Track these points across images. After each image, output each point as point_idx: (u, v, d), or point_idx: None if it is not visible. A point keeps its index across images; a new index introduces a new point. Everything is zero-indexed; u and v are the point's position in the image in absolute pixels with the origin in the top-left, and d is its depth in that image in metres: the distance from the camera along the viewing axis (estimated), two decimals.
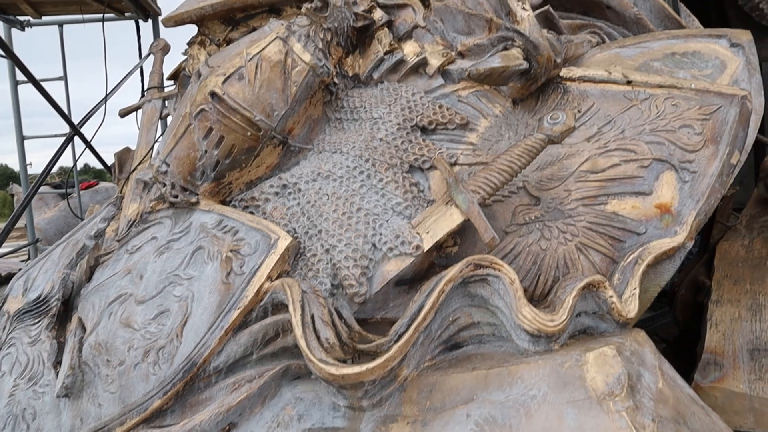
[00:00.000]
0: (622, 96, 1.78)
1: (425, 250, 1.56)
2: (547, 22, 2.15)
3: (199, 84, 1.87)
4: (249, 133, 1.83)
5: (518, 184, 1.65)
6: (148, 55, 3.05)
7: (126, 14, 4.37)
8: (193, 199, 1.92)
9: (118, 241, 2.11)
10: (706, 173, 1.65)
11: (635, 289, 1.48)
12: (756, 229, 2.34)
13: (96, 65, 4.04)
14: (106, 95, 3.58)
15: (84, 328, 1.83)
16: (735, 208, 2.60)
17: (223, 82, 1.82)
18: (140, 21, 4.31)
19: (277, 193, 1.88)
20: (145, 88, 2.89)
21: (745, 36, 2.13)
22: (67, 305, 2.01)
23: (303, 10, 1.86)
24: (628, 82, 1.81)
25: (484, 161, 1.70)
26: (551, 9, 2.13)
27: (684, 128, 1.70)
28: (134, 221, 2.13)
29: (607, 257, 1.60)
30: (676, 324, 2.52)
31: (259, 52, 1.83)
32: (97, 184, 6.37)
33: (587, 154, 1.68)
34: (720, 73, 2.05)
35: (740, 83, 2.01)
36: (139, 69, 3.85)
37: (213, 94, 1.81)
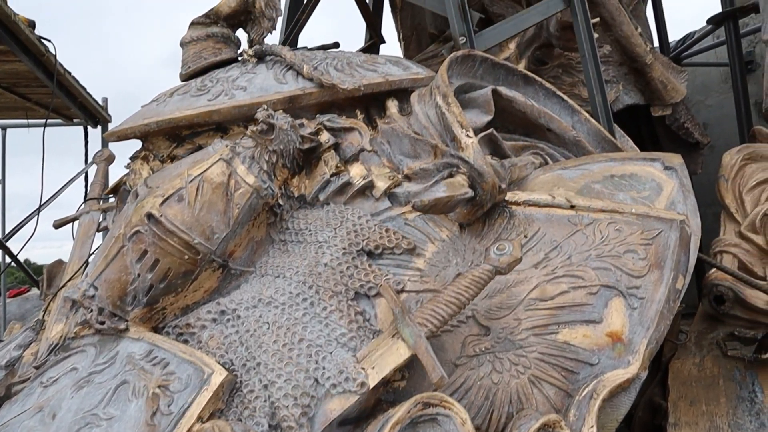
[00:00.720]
0: (567, 220, 1.80)
1: (371, 387, 1.45)
2: (491, 144, 2.21)
3: (136, 205, 1.78)
4: (186, 257, 1.74)
5: (467, 313, 1.60)
6: (91, 164, 2.97)
7: (74, 120, 4.32)
8: (122, 326, 1.77)
9: (36, 368, 1.91)
10: (654, 299, 1.64)
11: (592, 427, 1.40)
12: (705, 346, 2.34)
13: (42, 165, 3.90)
14: (39, 207, 3.42)
15: None
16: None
17: (162, 203, 1.75)
18: (89, 127, 4.26)
19: (214, 320, 1.75)
20: (85, 198, 2.78)
21: (676, 159, 2.24)
22: None
23: (248, 132, 1.85)
24: (572, 207, 1.83)
25: (432, 288, 1.65)
26: (495, 132, 2.19)
27: (629, 253, 1.71)
28: (56, 345, 1.94)
29: (561, 390, 1.52)
30: None
31: (201, 174, 1.78)
32: (27, 290, 5.98)
33: (535, 281, 1.65)
34: (657, 195, 2.12)
35: (676, 205, 2.09)
36: (83, 176, 3.75)
37: (150, 216, 1.73)
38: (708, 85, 6.40)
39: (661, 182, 2.19)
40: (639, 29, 3.59)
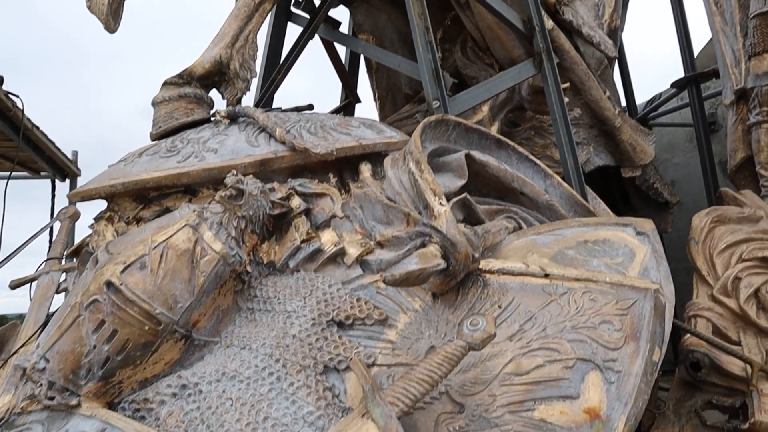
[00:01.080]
0: (541, 290, 1.77)
1: None
2: (465, 208, 2.20)
3: (95, 272, 1.70)
4: (147, 327, 1.65)
5: (441, 389, 1.53)
6: (54, 221, 2.87)
7: (42, 173, 4.22)
8: (74, 402, 1.66)
9: None
10: (631, 372, 1.59)
11: None
12: (684, 415, 2.29)
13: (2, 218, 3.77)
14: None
15: None
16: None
17: (122, 271, 1.67)
18: (57, 180, 4.16)
19: (174, 395, 1.65)
20: (46, 257, 2.67)
21: (648, 225, 2.25)
22: None
23: (217, 197, 1.80)
24: (546, 275, 1.81)
25: (404, 362, 1.58)
26: (468, 196, 2.18)
27: (604, 324, 1.68)
28: (3, 420, 1.81)
29: None
30: None
31: (165, 240, 1.71)
32: None
33: (510, 354, 1.60)
34: (630, 261, 2.12)
35: (650, 271, 2.08)
36: (48, 231, 3.62)
37: (109, 284, 1.65)
38: (674, 144, 6.61)
39: (634, 248, 2.19)
40: (607, 93, 3.71)
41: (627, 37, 5.52)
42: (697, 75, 5.05)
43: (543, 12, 3.18)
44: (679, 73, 5.26)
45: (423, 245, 1.67)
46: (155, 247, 1.70)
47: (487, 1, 3.00)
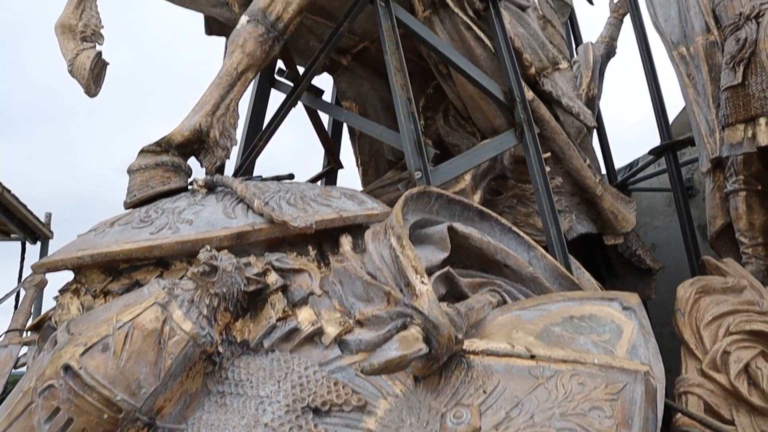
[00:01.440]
0: (528, 372, 1.69)
1: None
2: (448, 281, 2.15)
3: (53, 354, 1.59)
4: (106, 416, 1.53)
5: None
6: (18, 288, 2.74)
7: (12, 236, 4.10)
8: None
9: None
10: None
11: None
12: None
13: None
14: None
15: None
16: None
17: (83, 353, 1.56)
18: (27, 243, 4.04)
19: None
20: (6, 329, 2.52)
21: (634, 299, 2.21)
22: None
23: (189, 274, 1.72)
24: (532, 357, 1.73)
25: None
26: (451, 269, 2.13)
27: (594, 410, 1.60)
28: None
29: None
30: None
31: (131, 320, 1.62)
32: None
33: None
34: (618, 338, 2.07)
35: (638, 348, 2.03)
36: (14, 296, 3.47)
37: (67, 368, 1.54)
38: (653, 207, 6.70)
39: (620, 324, 2.15)
40: (587, 161, 3.75)
41: (603, 102, 5.68)
42: (673, 143, 5.17)
43: (523, 83, 3.24)
44: (656, 136, 5.39)
45: (404, 326, 1.60)
46: (120, 327, 1.60)
47: (468, 73, 3.06)
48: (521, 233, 2.46)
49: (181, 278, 1.82)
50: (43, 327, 2.14)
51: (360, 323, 1.76)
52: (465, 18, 3.25)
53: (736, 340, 2.60)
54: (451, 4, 3.24)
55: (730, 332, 2.64)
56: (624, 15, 5.71)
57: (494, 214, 2.43)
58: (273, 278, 1.82)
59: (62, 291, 2.13)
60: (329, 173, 3.91)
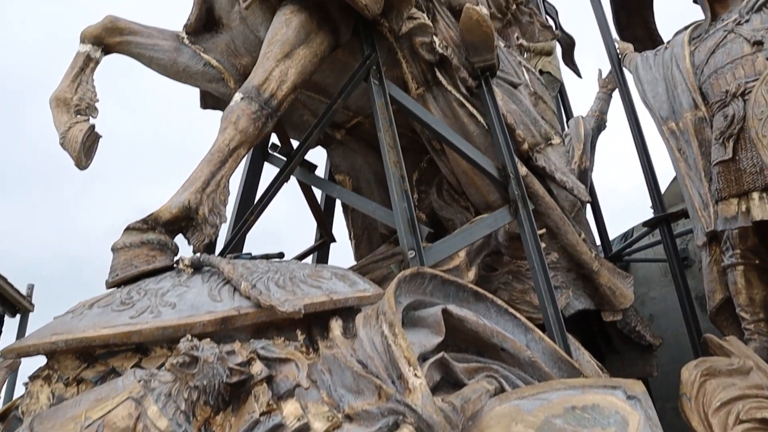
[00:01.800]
0: None
1: None
2: (442, 368, 2.04)
3: None
4: None
5: None
6: None
7: None
8: None
9: None
10: None
11: None
12: None
13: None
14: None
15: None
16: None
17: None
18: (6, 316, 3.90)
19: None
20: None
21: (638, 387, 2.11)
22: None
23: (167, 365, 1.61)
24: None
25: None
26: (446, 355, 2.03)
27: None
28: None
29: None
30: None
31: (102, 417, 1.50)
32: None
33: None
34: (623, 431, 1.96)
35: None
36: None
37: None
38: (650, 278, 6.64)
39: (625, 415, 2.04)
40: (582, 235, 3.71)
41: (594, 171, 5.71)
42: (667, 216, 5.17)
43: (517, 159, 3.25)
44: (648, 202, 5.39)
45: (396, 425, 1.49)
46: (89, 425, 1.49)
47: (461, 149, 3.06)
48: (518, 314, 2.38)
49: (159, 367, 1.71)
50: (8, 417, 2.00)
51: (349, 418, 1.64)
52: (458, 95, 3.29)
53: (747, 428, 2.49)
54: (444, 81, 3.29)
55: (741, 420, 2.52)
56: (613, 90, 5.85)
57: (490, 295, 2.35)
58: (258, 368, 1.72)
59: (32, 378, 2.00)
60: (321, 246, 3.85)
